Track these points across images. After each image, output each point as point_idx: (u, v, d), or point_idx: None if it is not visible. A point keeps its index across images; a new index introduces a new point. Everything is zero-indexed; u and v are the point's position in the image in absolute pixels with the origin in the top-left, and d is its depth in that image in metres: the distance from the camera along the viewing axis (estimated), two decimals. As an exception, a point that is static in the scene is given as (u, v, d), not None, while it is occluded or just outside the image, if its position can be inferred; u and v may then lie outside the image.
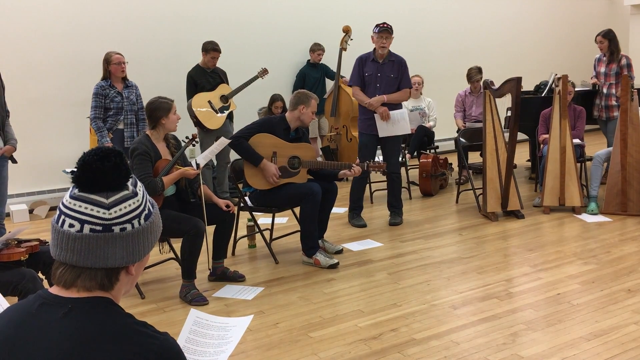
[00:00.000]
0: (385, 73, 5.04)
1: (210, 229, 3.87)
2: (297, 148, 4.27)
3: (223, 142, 4.00)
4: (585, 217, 5.22)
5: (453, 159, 7.32)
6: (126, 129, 5.17)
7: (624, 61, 6.11)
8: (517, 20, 9.47)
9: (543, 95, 6.59)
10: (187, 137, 3.87)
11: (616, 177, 5.26)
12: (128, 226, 1.18)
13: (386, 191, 5.45)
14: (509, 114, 6.10)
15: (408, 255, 4.44)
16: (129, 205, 1.19)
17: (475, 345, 2.98)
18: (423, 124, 6.82)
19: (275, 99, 6.44)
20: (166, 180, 3.60)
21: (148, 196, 1.27)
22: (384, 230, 5.12)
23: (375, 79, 5.04)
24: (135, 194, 1.21)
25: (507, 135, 5.34)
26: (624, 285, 3.68)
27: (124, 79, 5.25)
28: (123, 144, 5.10)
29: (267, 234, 4.72)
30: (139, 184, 1.26)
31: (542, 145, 5.70)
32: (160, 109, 3.67)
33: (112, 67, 5.13)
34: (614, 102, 6.14)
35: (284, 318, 3.39)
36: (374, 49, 5.09)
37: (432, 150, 6.88)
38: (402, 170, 6.51)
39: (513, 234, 4.88)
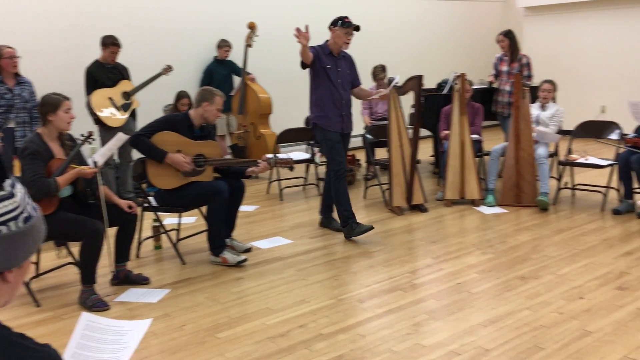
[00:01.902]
0: (343, 68, 4.80)
1: (112, 231, 3.72)
2: (202, 146, 4.19)
3: (120, 138, 3.85)
4: (483, 209, 5.48)
5: (361, 156, 7.47)
6: (18, 128, 4.86)
7: (524, 60, 6.45)
8: (420, 20, 9.78)
9: (444, 92, 6.84)
10: (82, 135, 3.69)
11: (511, 171, 5.56)
12: (3, 228, 1.10)
13: (299, 188, 5.46)
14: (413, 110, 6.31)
15: (317, 251, 4.48)
16: (4, 206, 1.11)
17: (380, 337, 3.05)
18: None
19: (181, 95, 6.28)
20: (61, 181, 3.42)
21: (30, 200, 1.20)
22: (293, 228, 5.13)
23: (336, 73, 4.74)
24: (12, 195, 1.13)
25: (411, 131, 5.50)
26: (518, 273, 3.90)
27: (17, 74, 4.94)
28: (13, 143, 4.80)
29: (173, 234, 4.61)
30: (19, 185, 1.18)
31: (443, 141, 5.92)
32: (47, 105, 3.48)
33: (2, 61, 4.82)
34: (513, 99, 6.47)
35: (190, 320, 3.32)
36: (327, 43, 4.78)
37: (341, 147, 6.96)
38: (312, 167, 6.60)
39: (417, 227, 5.04)
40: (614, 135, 5.57)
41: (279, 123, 7.18)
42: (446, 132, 5.82)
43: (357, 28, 4.69)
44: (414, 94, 5.26)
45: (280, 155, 4.61)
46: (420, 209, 5.52)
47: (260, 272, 4.07)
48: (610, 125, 5.66)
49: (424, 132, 6.90)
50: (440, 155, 6.28)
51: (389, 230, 4.96)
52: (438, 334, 3.06)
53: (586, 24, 9.34)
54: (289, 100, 8.22)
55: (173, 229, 4.66)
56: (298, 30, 4.38)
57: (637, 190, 5.09)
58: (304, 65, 4.67)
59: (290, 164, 4.36)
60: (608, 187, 5.36)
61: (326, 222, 5.08)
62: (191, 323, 3.27)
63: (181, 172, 4.11)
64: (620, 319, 3.16)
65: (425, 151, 7.84)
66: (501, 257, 4.22)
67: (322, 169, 6.86)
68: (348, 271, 4.03)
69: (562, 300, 3.44)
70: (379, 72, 6.86)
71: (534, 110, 5.77)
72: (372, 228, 4.67)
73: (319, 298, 3.58)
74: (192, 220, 5.38)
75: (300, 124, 7.18)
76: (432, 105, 6.54)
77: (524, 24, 10.13)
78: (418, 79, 5.19)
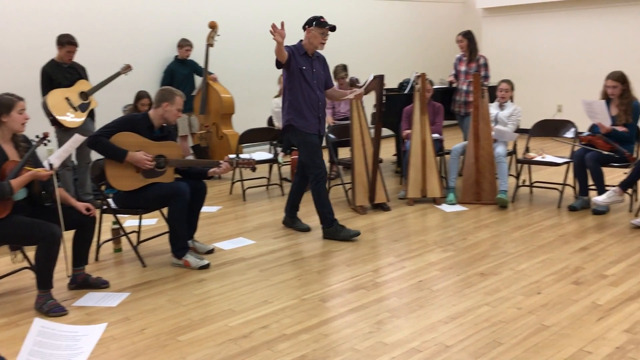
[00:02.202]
0: (317, 69, 4.73)
1: (69, 235, 3.64)
2: (163, 147, 4.13)
3: (77, 139, 3.77)
4: (444, 207, 5.56)
5: (325, 155, 7.47)
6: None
7: (481, 61, 6.57)
8: (381, 21, 9.86)
9: (406, 92, 6.91)
10: (37, 137, 3.60)
11: (471, 169, 5.65)
12: None
13: (263, 188, 5.44)
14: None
15: (280, 251, 4.47)
16: None
17: (343, 335, 3.06)
18: (294, 121, 6.88)
19: (141, 95, 6.18)
20: (15, 184, 3.32)
21: None
22: (256, 228, 5.11)
23: (311, 74, 4.65)
24: None
25: (373, 131, 5.53)
26: (478, 270, 3.96)
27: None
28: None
29: (134, 236, 4.53)
30: None
31: (405, 140, 5.98)
32: (0, 106, 3.39)
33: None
34: (470, 99, 6.58)
35: (151, 323, 3.27)
36: (301, 43, 4.67)
37: (304, 147, 6.96)
38: (275, 167, 6.58)
39: (380, 226, 5.08)
40: (570, 134, 5.71)
41: (241, 123, 7.13)
42: (408, 131, 5.88)
43: (332, 28, 4.62)
44: (376, 93, 5.29)
45: (242, 156, 4.59)
46: (382, 207, 5.56)
47: (223, 273, 4.04)
48: (566, 124, 5.81)
49: (386, 131, 6.98)
50: (402, 154, 6.34)
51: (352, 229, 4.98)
52: (400, 332, 3.09)
53: (543, 25, 9.56)
54: (252, 100, 8.19)
55: (133, 231, 4.58)
56: (274, 27, 4.26)
57: (592, 187, 5.23)
58: (278, 64, 4.54)
59: (252, 164, 4.34)
60: (564, 185, 5.50)
61: (290, 222, 5.07)
62: (152, 326, 3.23)
63: (141, 173, 4.05)
64: (575, 313, 3.25)
65: (388, 150, 7.90)
66: (462, 254, 4.28)
67: (286, 169, 6.88)
68: (311, 271, 4.04)
69: (521, 295, 3.52)
70: (340, 71, 6.89)
71: (493, 109, 5.88)
72: (359, 234, 4.69)
73: (282, 298, 3.57)
74: (153, 222, 5.30)
75: (263, 123, 7.15)
76: (394, 105, 6.60)
77: (482, 24, 10.31)
78: (379, 78, 5.21)
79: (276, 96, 7.09)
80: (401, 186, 6.34)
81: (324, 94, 4.82)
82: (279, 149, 6.62)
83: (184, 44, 7.27)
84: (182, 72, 7.29)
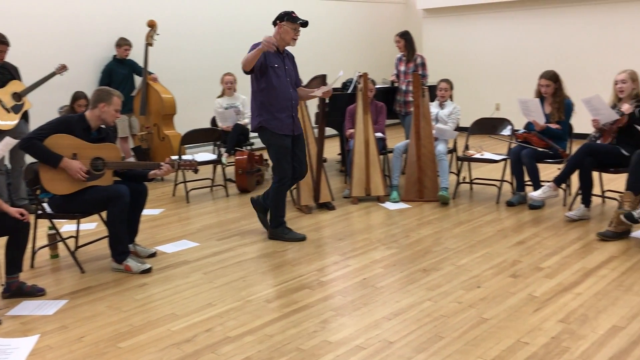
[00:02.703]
0: (289, 66, 4.58)
1: (2, 241, 3.49)
2: (100, 149, 4.01)
3: (9, 142, 3.62)
4: (388, 205, 5.63)
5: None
6: None
7: (419, 60, 6.68)
8: (325, 21, 9.90)
9: (349, 92, 6.96)
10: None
11: (413, 167, 5.75)
12: None
13: (207, 189, 5.36)
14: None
15: (224, 253, 4.42)
16: None
17: (288, 336, 3.06)
18: (239, 122, 6.84)
19: (78, 96, 6.01)
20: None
21: None
22: (200, 230, 5.04)
23: (284, 71, 4.50)
24: None
25: (317, 130, 5.55)
26: (420, 266, 4.03)
27: None
28: None
29: (72, 241, 4.39)
30: None
31: (349, 140, 6.02)
32: None
33: None
34: (411, 98, 6.68)
35: (90, 331, 3.18)
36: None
37: (248, 147, 6.93)
38: (219, 168, 6.50)
39: (325, 225, 5.10)
40: (506, 132, 5.89)
41: (184, 124, 7.02)
42: (351, 130, 5.92)
43: (304, 23, 4.47)
44: (318, 93, 5.30)
45: (185, 157, 4.52)
46: (327, 207, 5.59)
47: (165, 277, 3.96)
48: (503, 122, 5.99)
49: (330, 131, 7.01)
50: (346, 154, 6.39)
51: (297, 229, 4.97)
52: (344, 330, 3.11)
53: (481, 26, 9.83)
54: (194, 100, 8.08)
55: (71, 237, 4.45)
56: (269, 42, 4.21)
57: (528, 183, 5.41)
58: (248, 70, 4.39)
59: (194, 166, 4.28)
60: (502, 181, 5.67)
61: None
62: (91, 334, 3.13)
63: (75, 173, 3.91)
64: (513, 305, 3.35)
65: (332, 150, 7.95)
66: (405, 251, 4.35)
67: (230, 170, 6.81)
68: (256, 272, 4.01)
69: (461, 289, 3.60)
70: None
71: (433, 108, 6.00)
72: (304, 238, 4.64)
73: (226, 300, 3.54)
74: (92, 226, 5.15)
75: (206, 124, 7.06)
76: (337, 105, 6.64)
77: (423, 25, 10.50)
78: (322, 78, 5.24)
79: (219, 96, 7.02)
80: (345, 185, 6.38)
81: (297, 92, 4.64)
82: (222, 150, 6.55)
83: (123, 43, 7.10)
84: (121, 72, 7.12)
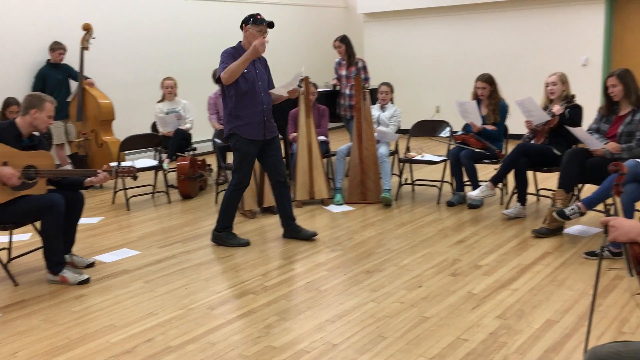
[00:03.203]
0: (260, 69, 4.48)
1: None
2: (33, 156, 3.87)
3: None
4: (332, 207, 5.66)
5: (212, 160, 7.38)
6: None
7: (360, 64, 6.75)
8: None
9: (292, 96, 6.95)
10: None
11: (356, 170, 5.80)
12: None
13: (148, 196, 5.24)
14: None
15: (166, 260, 4.34)
16: None
17: (231, 343, 3.02)
18: (180, 127, 6.73)
19: (9, 102, 5.78)
20: None
21: None
22: (141, 238, 4.93)
23: (255, 76, 4.40)
24: None
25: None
26: (364, 267, 4.07)
27: None
28: None
29: (4, 253, 4.22)
30: None
31: (292, 143, 6.02)
32: None
33: None
34: (354, 102, 6.75)
35: (24, 346, 3.05)
36: (241, 44, 4.44)
37: (190, 152, 6.84)
38: (160, 174, 6.38)
39: (269, 229, 5.08)
40: (445, 133, 6.03)
41: (123, 129, 6.85)
42: (294, 134, 5.93)
43: (270, 25, 4.38)
44: (260, 97, 5.28)
45: (124, 164, 4.41)
46: (272, 211, 5.57)
47: (104, 287, 3.85)
48: (442, 124, 6.13)
49: (273, 134, 6.98)
50: (289, 158, 6.38)
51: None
52: (288, 334, 3.10)
53: (421, 30, 10.03)
54: (133, 105, 7.90)
55: (3, 248, 4.27)
56: (259, 49, 4.15)
57: (467, 183, 5.55)
58: (218, 79, 4.30)
59: (132, 172, 4.18)
60: (442, 181, 5.79)
61: (293, 233, 4.75)
62: (24, 349, 3.01)
63: (9, 185, 3.77)
64: (453, 303, 3.43)
65: (276, 153, 7.91)
66: (348, 253, 4.38)
67: (172, 176, 6.69)
68: (199, 279, 3.96)
69: (404, 290, 3.66)
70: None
71: (375, 111, 6.08)
72: (248, 243, 4.58)
73: (168, 309, 3.47)
74: (27, 237, 4.96)
75: (146, 129, 6.92)
76: (280, 108, 6.59)
77: (364, 29, 10.63)
78: (263, 82, 5.22)
79: (159, 101, 6.90)
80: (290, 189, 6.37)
81: (269, 95, 4.54)
82: (164, 156, 6.44)
83: (57, 47, 6.87)
84: (56, 77, 6.90)
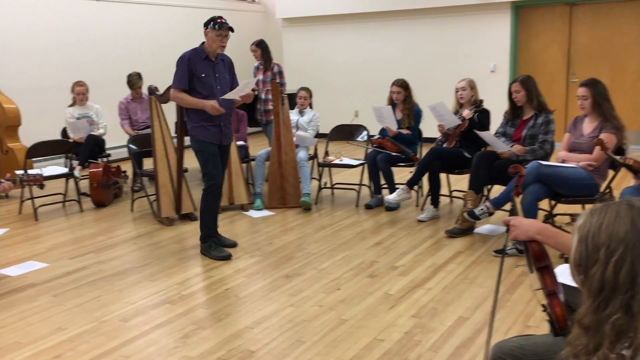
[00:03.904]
0: (221, 73, 4.36)
1: None
2: None
3: None
4: (252, 213, 5.63)
5: (127, 167, 7.15)
6: None
7: (276, 69, 6.76)
8: (181, 27, 9.69)
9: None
10: None
11: (275, 174, 5.79)
12: None
13: (59, 205, 5.00)
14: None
15: (77, 272, 4.16)
16: None
17: (146, 355, 2.94)
18: (92, 132, 6.48)
19: None
20: None
21: None
22: (50, 249, 4.70)
23: (214, 80, 4.29)
24: None
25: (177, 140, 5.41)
26: (283, 272, 4.07)
27: None
28: None
29: None
30: None
31: (210, 149, 5.93)
32: None
33: None
34: (271, 107, 6.74)
35: None
36: (203, 45, 4.31)
37: (104, 159, 6.60)
38: (71, 182, 6.11)
39: (187, 237, 4.98)
40: (363, 137, 6.14)
41: (31, 136, 6.51)
42: (212, 139, 5.84)
43: (230, 29, 4.26)
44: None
45: (30, 171, 4.20)
46: (190, 218, 5.47)
47: (8, 302, 3.64)
48: (359, 128, 6.24)
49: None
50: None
51: (158, 242, 4.82)
52: (206, 343, 3.05)
53: (339, 36, 10.17)
54: (41, 110, 7.55)
55: None
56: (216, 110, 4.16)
57: (384, 186, 5.67)
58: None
59: (39, 181, 3.99)
60: (360, 185, 5.89)
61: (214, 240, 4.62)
62: None
63: None
64: (370, 305, 3.49)
65: (195, 159, 7.77)
66: (268, 258, 4.36)
67: (84, 183, 6.43)
68: (112, 290, 3.82)
69: (322, 293, 3.69)
70: (135, 80, 6.66)
71: (293, 116, 6.11)
72: (230, 257, 4.37)
73: (78, 323, 3.33)
74: None
75: (56, 135, 6.61)
76: (197, 113, 6.51)
77: (283, 33, 10.66)
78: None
79: (70, 105, 6.61)
80: (209, 195, 6.27)
81: (230, 101, 4.38)
82: (75, 163, 6.17)
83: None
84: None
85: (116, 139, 7.57)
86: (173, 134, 5.69)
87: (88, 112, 6.62)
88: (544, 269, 1.83)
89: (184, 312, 3.45)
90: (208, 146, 4.34)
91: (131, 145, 5.94)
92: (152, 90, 5.49)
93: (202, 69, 4.27)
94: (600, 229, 1.22)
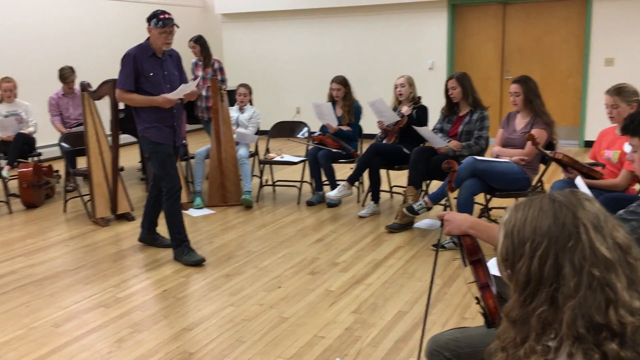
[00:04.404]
0: (170, 70, 4.14)
1: None
2: None
3: None
4: (192, 212, 5.51)
5: (59, 166, 6.88)
6: None
7: (216, 65, 6.65)
8: (114, 22, 9.42)
9: (146, 97, 6.69)
10: None
11: (215, 172, 5.70)
12: None
13: None
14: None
15: (5, 277, 3.96)
16: None
17: (79, 361, 2.83)
18: (22, 131, 6.20)
19: None
20: None
21: None
22: (-25, 253, 4.47)
23: (163, 78, 4.07)
24: None
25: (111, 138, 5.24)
26: (223, 271, 4.01)
27: None
28: None
29: None
30: None
31: (147, 147, 5.78)
32: None
33: None
34: (212, 104, 6.64)
35: None
36: (148, 41, 4.11)
37: (35, 158, 6.33)
38: (0, 183, 5.84)
39: (124, 237, 4.84)
40: (304, 134, 6.13)
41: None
42: (149, 137, 5.69)
43: (173, 25, 4.08)
44: (110, 98, 5.03)
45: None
46: (127, 218, 5.31)
47: None
48: (300, 125, 6.22)
49: (129, 138, 6.68)
50: (146, 162, 6.14)
51: (93, 243, 4.66)
52: (142, 346, 2.97)
53: (279, 32, 10.11)
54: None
55: None
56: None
57: (326, 183, 5.68)
58: None
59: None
60: (302, 182, 5.87)
61: (150, 239, 4.52)
62: None
63: None
64: (311, 302, 3.48)
65: (133, 157, 7.59)
66: (208, 257, 4.28)
67: (13, 184, 6.14)
68: (42, 295, 3.66)
69: (263, 291, 3.65)
70: (68, 74, 6.41)
71: (233, 112, 6.03)
72: (203, 261, 4.16)
73: (5, 331, 3.17)
74: None
75: (-19, 134, 6.28)
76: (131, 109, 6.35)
77: (223, 29, 10.52)
78: (113, 83, 4.95)
79: (-3, 102, 6.31)
80: (147, 194, 6.11)
81: (182, 98, 4.18)
82: (3, 162, 5.89)
83: None
84: None
85: (48, 137, 7.27)
86: (107, 132, 5.52)
87: (16, 109, 6.33)
88: (477, 262, 1.86)
89: (119, 316, 3.34)
90: (163, 148, 4.12)
91: (63, 144, 5.71)
92: (85, 87, 5.30)
93: (149, 68, 4.05)
94: (525, 223, 1.23)
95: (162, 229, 4.42)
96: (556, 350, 1.16)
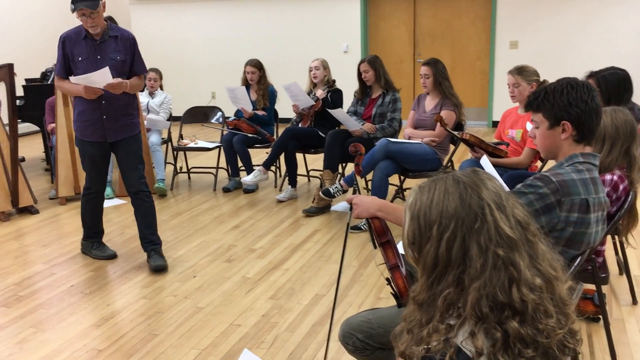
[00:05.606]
0: (107, 54, 3.59)
1: None
2: None
3: None
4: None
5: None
6: None
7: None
8: (18, 9, 8.83)
9: (49, 82, 6.32)
10: None
11: (126, 161, 5.47)
12: None
13: None
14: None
15: None
16: None
17: (-25, 367, 2.64)
18: None
19: None
20: None
21: None
22: None
23: (94, 63, 3.53)
24: None
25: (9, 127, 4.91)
26: (135, 264, 3.86)
27: None
28: None
29: None
30: None
31: (51, 135, 5.48)
32: None
33: None
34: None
35: None
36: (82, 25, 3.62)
37: None
38: None
39: (27, 232, 4.57)
40: (218, 119, 5.99)
41: None
42: (52, 125, 5.39)
43: (91, 6, 3.46)
44: (6, 85, 4.70)
45: None
46: (30, 211, 5.01)
47: None
48: (214, 110, 6.08)
49: (30, 126, 6.31)
50: (50, 151, 5.81)
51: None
52: (46, 346, 2.81)
53: (191, 15, 9.81)
54: None
55: None
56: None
57: (242, 168, 5.59)
58: None
59: None
60: (217, 168, 5.75)
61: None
62: None
63: None
64: (227, 290, 3.42)
65: (35, 147, 7.17)
66: (120, 249, 4.10)
67: None
68: None
69: (177, 282, 3.55)
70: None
71: (143, 98, 5.80)
72: (115, 256, 3.93)
73: None
74: None
75: None
76: (36, 97, 6.00)
77: (131, 12, 10.09)
78: (8, 67, 4.64)
79: None
80: (52, 185, 5.80)
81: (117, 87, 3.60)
82: None
83: None
84: None
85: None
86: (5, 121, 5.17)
87: None
88: (386, 244, 1.87)
89: (21, 315, 3.15)
90: (85, 146, 3.73)
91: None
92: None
93: (79, 51, 3.59)
94: (431, 206, 1.23)
95: (69, 221, 4.20)
96: (459, 328, 1.17)
